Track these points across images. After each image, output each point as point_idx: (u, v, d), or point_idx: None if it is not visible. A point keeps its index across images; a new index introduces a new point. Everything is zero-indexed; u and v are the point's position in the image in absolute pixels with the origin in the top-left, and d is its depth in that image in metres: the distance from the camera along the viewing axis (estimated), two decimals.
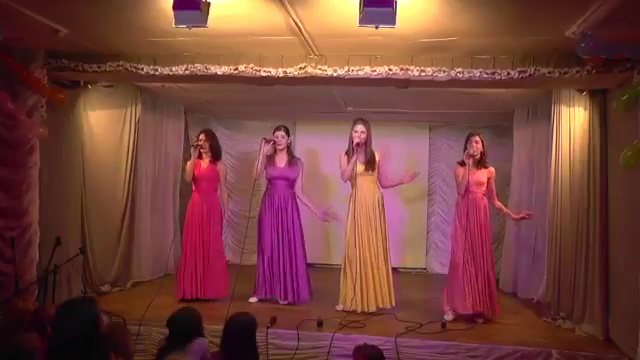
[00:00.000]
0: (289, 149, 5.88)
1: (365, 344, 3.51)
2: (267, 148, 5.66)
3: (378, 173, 5.60)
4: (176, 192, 7.47)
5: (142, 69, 4.96)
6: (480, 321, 5.23)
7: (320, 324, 4.89)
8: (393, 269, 7.57)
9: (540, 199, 6.17)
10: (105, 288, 6.04)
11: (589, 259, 4.95)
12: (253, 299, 5.73)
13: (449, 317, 5.24)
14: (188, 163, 5.84)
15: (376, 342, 4.33)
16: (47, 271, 4.91)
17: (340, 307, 5.48)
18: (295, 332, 4.64)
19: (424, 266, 8.30)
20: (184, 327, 3.39)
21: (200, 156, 5.83)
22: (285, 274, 5.69)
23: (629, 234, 4.48)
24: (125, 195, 6.38)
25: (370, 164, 5.52)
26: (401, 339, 4.58)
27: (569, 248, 5.16)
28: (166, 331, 3.51)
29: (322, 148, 7.81)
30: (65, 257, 5.23)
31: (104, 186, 6.12)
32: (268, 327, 4.58)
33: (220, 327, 3.89)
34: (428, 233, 8.37)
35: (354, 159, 5.45)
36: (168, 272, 6.94)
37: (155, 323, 4.53)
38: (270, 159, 5.80)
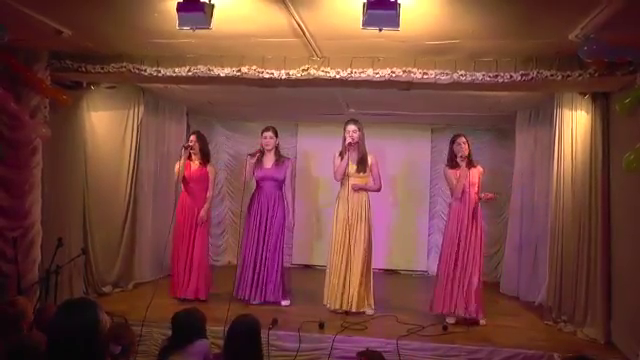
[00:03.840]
0: (277, 149, 5.90)
1: (367, 349, 3.52)
2: (253, 161, 5.74)
3: (371, 176, 5.61)
4: (178, 193, 7.45)
5: (145, 70, 4.98)
6: (482, 323, 5.23)
7: (321, 326, 4.89)
8: (394, 271, 7.58)
9: (542, 202, 6.17)
10: (107, 289, 6.05)
11: (591, 262, 4.95)
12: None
13: (451, 320, 5.24)
14: (178, 164, 5.85)
15: (377, 344, 4.36)
16: (49, 271, 4.90)
17: (327, 305, 5.51)
18: (296, 334, 4.64)
19: (425, 268, 8.29)
20: (186, 328, 3.40)
21: (190, 157, 5.85)
22: (261, 274, 5.70)
23: (631, 237, 4.48)
24: (127, 196, 6.39)
25: (362, 165, 5.55)
26: (402, 341, 4.58)
27: (571, 251, 5.16)
28: (168, 332, 3.51)
29: (324, 149, 7.75)
30: (67, 257, 5.24)
31: (106, 187, 6.13)
32: (269, 329, 4.58)
33: (220, 328, 3.91)
34: (429, 235, 8.35)
35: (346, 157, 5.48)
36: (169, 273, 6.95)
37: (157, 324, 4.54)
38: (258, 160, 5.84)
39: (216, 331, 4.04)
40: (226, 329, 3.43)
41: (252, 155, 5.76)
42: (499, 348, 4.54)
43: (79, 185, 5.77)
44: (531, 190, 6.53)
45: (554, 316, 5.31)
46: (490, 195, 5.41)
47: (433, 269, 8.17)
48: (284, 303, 5.73)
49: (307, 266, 8.14)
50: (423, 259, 8.32)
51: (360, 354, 3.41)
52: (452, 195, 5.47)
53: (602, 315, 4.80)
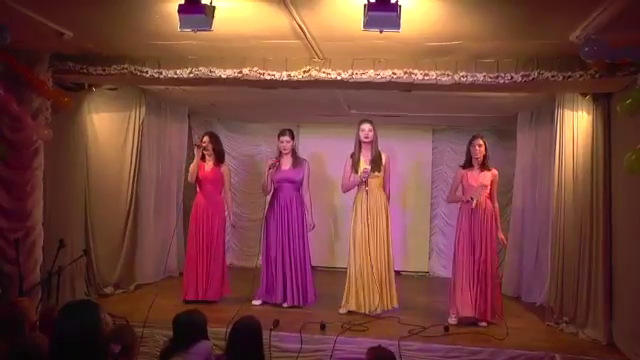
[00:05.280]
0: (294, 152, 5.91)
1: (380, 346, 3.52)
2: (273, 171, 5.76)
3: (384, 175, 5.60)
4: (179, 194, 7.47)
5: (147, 72, 4.98)
6: (483, 324, 5.23)
7: (323, 327, 4.89)
8: (396, 272, 7.59)
9: (543, 203, 6.17)
10: (108, 290, 6.06)
11: (592, 263, 4.95)
12: (256, 302, 5.74)
13: (453, 321, 5.24)
14: (192, 165, 5.87)
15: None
16: (51, 273, 4.91)
17: (343, 310, 5.49)
18: (298, 335, 4.64)
19: (427, 269, 8.30)
20: (188, 329, 3.39)
21: (203, 158, 5.86)
22: (290, 276, 5.70)
23: (632, 238, 4.48)
24: (129, 197, 6.39)
25: (376, 164, 5.52)
26: (404, 342, 4.57)
27: (572, 252, 5.16)
28: (169, 333, 3.51)
29: (326, 151, 7.82)
30: (69, 259, 5.25)
31: (108, 188, 6.14)
32: (271, 330, 4.58)
33: (223, 329, 3.91)
34: (431, 237, 8.35)
35: (359, 177, 5.46)
36: (170, 274, 6.97)
37: (158, 325, 4.54)
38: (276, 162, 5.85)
39: (218, 332, 4.05)
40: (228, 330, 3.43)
41: (272, 166, 5.78)
42: (500, 349, 4.54)
43: (81, 186, 5.78)
44: (532, 191, 6.53)
45: (556, 317, 5.30)
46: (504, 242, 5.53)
47: (435, 270, 8.23)
48: (286, 304, 5.72)
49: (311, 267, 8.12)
50: (424, 260, 8.32)
51: (371, 349, 3.41)
52: (447, 198, 5.49)
53: (603, 316, 4.79)
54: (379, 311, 5.39)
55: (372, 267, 5.40)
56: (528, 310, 6.00)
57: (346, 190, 5.68)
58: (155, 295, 4.99)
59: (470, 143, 5.40)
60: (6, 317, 3.14)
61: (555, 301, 5.33)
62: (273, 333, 4.58)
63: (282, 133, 5.86)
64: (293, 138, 5.89)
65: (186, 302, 5.57)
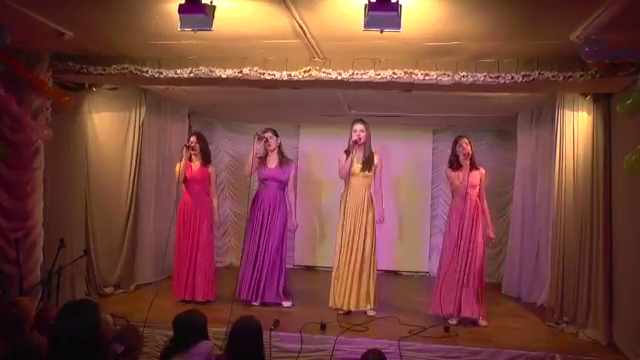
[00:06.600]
0: (280, 150, 5.92)
1: (375, 349, 3.52)
2: (259, 146, 5.72)
3: (374, 176, 5.61)
4: (178, 194, 7.45)
5: (147, 72, 4.98)
6: (483, 324, 5.22)
7: (323, 327, 4.89)
8: (395, 272, 7.60)
9: (543, 203, 6.17)
10: (108, 290, 6.06)
11: (593, 263, 4.95)
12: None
13: (453, 321, 5.24)
14: (180, 164, 5.87)
15: (379, 345, 4.34)
16: (51, 272, 4.91)
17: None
18: (298, 335, 4.65)
19: (427, 270, 8.29)
20: (188, 329, 3.40)
21: (190, 158, 5.87)
22: (260, 275, 5.71)
23: (633, 238, 4.47)
24: (129, 197, 6.39)
25: (367, 164, 5.54)
26: (404, 342, 4.58)
27: (573, 252, 5.15)
28: (170, 333, 3.51)
29: (326, 151, 7.80)
30: (69, 259, 5.24)
31: (108, 188, 6.14)
32: (271, 330, 4.58)
33: (222, 329, 3.91)
34: (431, 237, 8.34)
35: (351, 157, 5.49)
36: (170, 274, 6.96)
37: (159, 325, 4.54)
38: (262, 160, 5.85)
39: (218, 332, 4.05)
40: (228, 330, 3.43)
41: (259, 137, 5.72)
42: (501, 349, 4.54)
43: (81, 186, 5.78)
44: (533, 191, 6.53)
45: (556, 317, 5.30)
46: (492, 240, 5.49)
47: (435, 270, 8.20)
48: (286, 304, 5.73)
49: (309, 267, 8.14)
50: (425, 260, 8.31)
51: (368, 350, 3.43)
52: (453, 196, 5.49)
53: (604, 316, 4.79)
54: (352, 310, 5.42)
55: (349, 265, 5.43)
56: (528, 310, 6.00)
57: (343, 175, 5.62)
58: (154, 295, 4.98)
59: (456, 143, 5.41)
60: (6, 317, 3.14)
61: (555, 301, 5.33)
62: (273, 333, 4.57)
63: (264, 131, 5.87)
64: (277, 135, 5.89)
65: (184, 302, 5.58)
